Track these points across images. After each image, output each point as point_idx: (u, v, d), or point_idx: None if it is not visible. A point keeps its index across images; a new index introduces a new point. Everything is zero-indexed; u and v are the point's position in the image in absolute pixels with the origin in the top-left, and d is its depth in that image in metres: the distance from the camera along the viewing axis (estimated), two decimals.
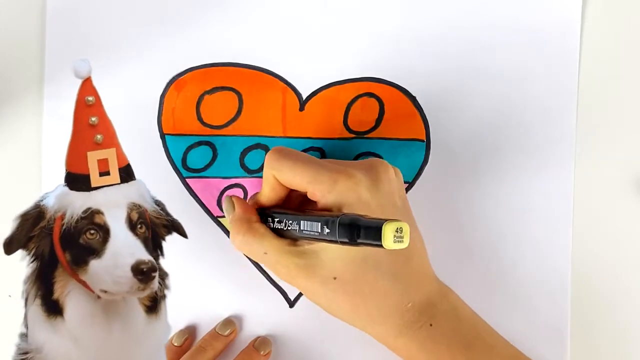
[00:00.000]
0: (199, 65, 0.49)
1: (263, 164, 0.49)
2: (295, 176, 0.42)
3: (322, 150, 0.49)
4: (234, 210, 0.44)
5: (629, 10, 0.49)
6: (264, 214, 0.44)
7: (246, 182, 0.49)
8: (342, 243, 0.37)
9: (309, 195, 0.42)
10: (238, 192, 0.49)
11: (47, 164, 0.49)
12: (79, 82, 0.49)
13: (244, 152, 0.49)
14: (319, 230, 0.39)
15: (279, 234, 0.43)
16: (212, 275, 0.49)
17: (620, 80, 0.49)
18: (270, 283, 0.49)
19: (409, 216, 0.44)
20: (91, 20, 0.49)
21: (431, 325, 0.42)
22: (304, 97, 0.49)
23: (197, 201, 0.49)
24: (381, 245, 0.35)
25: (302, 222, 0.40)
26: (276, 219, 0.43)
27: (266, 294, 0.49)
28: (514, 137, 0.49)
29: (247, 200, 0.46)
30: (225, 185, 0.49)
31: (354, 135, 0.49)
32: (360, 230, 0.36)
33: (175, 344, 0.48)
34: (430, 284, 0.43)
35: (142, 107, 0.49)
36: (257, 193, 0.45)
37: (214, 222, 0.49)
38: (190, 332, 0.49)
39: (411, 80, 0.49)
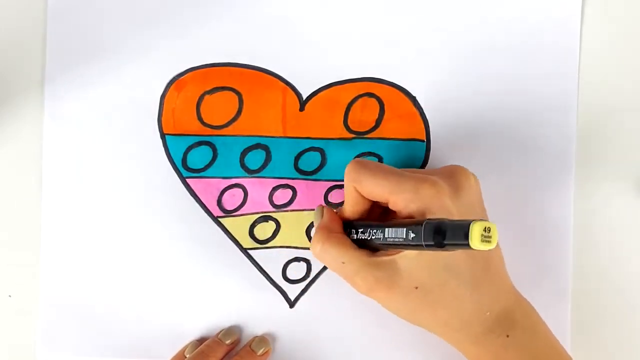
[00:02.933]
0: (199, 65, 0.49)
1: (264, 164, 0.49)
2: (377, 187, 0.42)
3: (322, 150, 0.49)
4: (321, 219, 0.44)
5: (629, 10, 0.49)
6: (348, 225, 0.44)
7: (246, 182, 0.49)
8: (428, 247, 0.37)
9: (390, 206, 0.42)
10: (238, 192, 0.49)
11: (47, 165, 0.49)
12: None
13: (244, 152, 0.49)
14: (404, 236, 0.38)
15: (363, 245, 0.42)
16: (212, 276, 0.49)
17: (621, 80, 0.49)
18: (270, 283, 0.49)
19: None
20: (92, 20, 0.49)
21: (508, 336, 0.42)
22: (304, 97, 0.49)
23: (197, 201, 0.49)
24: (469, 246, 0.35)
25: (386, 230, 0.40)
26: (360, 230, 0.43)
27: (266, 294, 0.49)
28: (514, 137, 0.49)
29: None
30: (226, 185, 0.49)
31: (354, 136, 0.49)
32: (447, 232, 0.36)
33: (226, 341, 0.48)
34: (508, 294, 0.44)
35: (142, 107, 0.49)
36: (341, 207, 0.45)
37: (214, 222, 0.49)
38: (239, 330, 0.49)
39: (411, 80, 0.49)
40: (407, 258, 0.41)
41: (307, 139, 0.49)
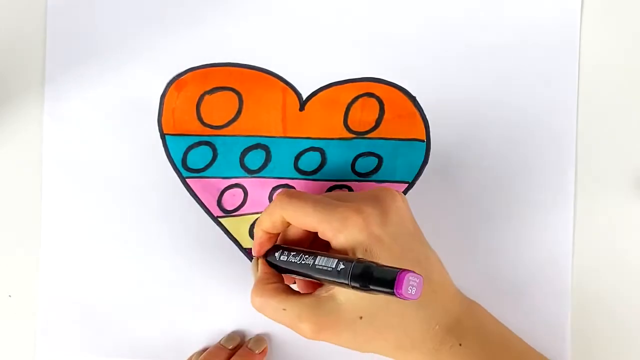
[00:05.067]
0: (199, 66, 0.49)
1: (264, 164, 0.49)
2: (306, 216, 0.42)
3: (322, 150, 0.49)
4: (257, 273, 0.44)
5: (629, 10, 0.49)
6: (278, 248, 0.44)
7: (246, 182, 0.49)
8: (354, 288, 0.37)
9: (320, 235, 0.42)
10: (238, 192, 0.49)
11: (48, 165, 0.49)
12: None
13: (244, 152, 0.49)
14: (334, 266, 0.38)
15: (292, 271, 0.42)
16: (211, 276, 0.49)
17: (621, 80, 0.49)
18: None
19: (422, 239, 0.43)
20: (92, 20, 0.49)
21: (460, 345, 0.42)
22: (304, 97, 0.49)
23: (197, 201, 0.49)
24: (394, 294, 0.35)
25: (318, 257, 0.40)
26: (292, 253, 0.42)
27: None
28: (514, 137, 0.49)
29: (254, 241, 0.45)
30: (226, 185, 0.49)
31: (354, 136, 0.49)
32: (373, 278, 0.36)
33: (228, 346, 0.48)
34: (454, 303, 0.43)
35: (142, 107, 0.49)
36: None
37: (214, 222, 0.49)
38: (241, 336, 0.49)
39: (411, 80, 0.49)
40: (345, 290, 0.40)
41: (307, 139, 0.49)
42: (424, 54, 0.49)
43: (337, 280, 0.38)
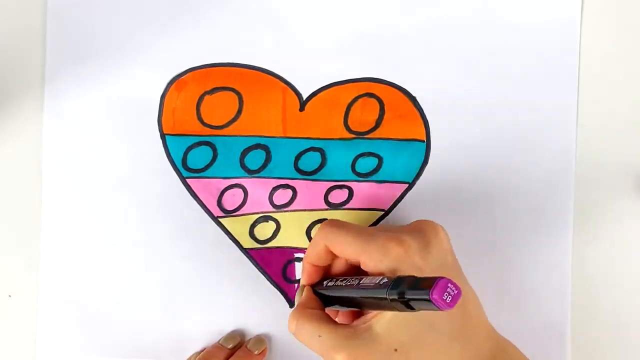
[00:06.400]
0: (199, 66, 0.49)
1: (264, 164, 0.49)
2: (348, 246, 0.42)
3: (322, 151, 0.49)
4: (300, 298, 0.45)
5: (629, 10, 0.49)
6: (326, 277, 0.44)
7: (246, 182, 0.49)
8: (393, 302, 0.37)
9: (362, 266, 0.42)
10: (238, 192, 0.49)
11: (48, 164, 0.49)
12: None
13: (244, 152, 0.49)
14: (377, 281, 0.38)
15: (334, 302, 0.43)
16: (212, 276, 0.49)
17: (620, 80, 0.49)
18: (271, 283, 0.49)
19: (461, 273, 0.43)
20: (92, 20, 0.49)
21: None
22: (304, 97, 0.49)
23: (197, 201, 0.49)
24: (429, 299, 0.34)
25: (364, 278, 0.40)
26: (340, 279, 0.43)
27: (266, 294, 0.49)
28: (514, 137, 0.49)
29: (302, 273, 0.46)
30: (226, 185, 0.49)
31: (354, 136, 0.49)
32: (410, 286, 0.36)
33: (227, 346, 0.48)
34: (488, 339, 0.43)
35: (142, 107, 0.49)
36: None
37: (214, 222, 0.49)
38: (240, 335, 0.49)
39: (411, 80, 0.49)
40: (383, 319, 0.40)
41: (307, 139, 0.49)
42: (424, 54, 0.49)
43: (378, 296, 0.38)
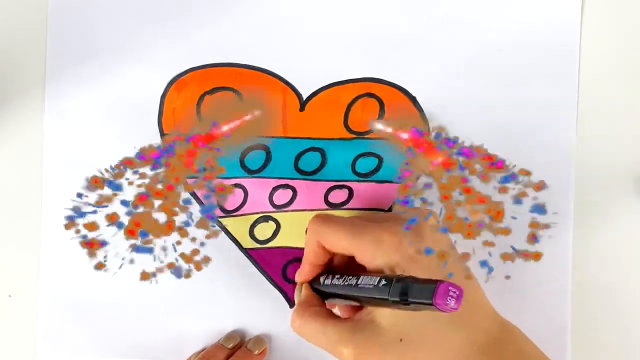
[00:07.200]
0: (199, 66, 0.49)
1: (264, 165, 0.49)
2: (340, 240, 0.42)
3: (322, 151, 0.49)
4: (300, 296, 0.45)
5: (629, 11, 0.49)
6: (322, 273, 0.44)
7: (246, 182, 0.49)
8: (394, 303, 0.37)
9: (357, 260, 0.42)
10: (238, 192, 0.49)
11: (48, 164, 0.49)
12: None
13: (245, 152, 0.49)
14: (376, 283, 0.38)
15: (333, 296, 0.43)
16: (212, 276, 0.49)
17: (620, 80, 0.49)
18: (271, 283, 0.49)
19: (457, 256, 0.43)
20: (92, 20, 0.49)
21: None
22: (304, 97, 0.49)
23: (197, 201, 0.49)
24: (432, 304, 0.34)
25: (361, 277, 0.40)
26: (336, 276, 0.43)
27: (266, 294, 0.49)
28: (514, 137, 0.49)
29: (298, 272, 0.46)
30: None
31: (354, 136, 0.49)
32: (411, 292, 0.36)
33: (227, 345, 0.48)
34: (491, 321, 0.42)
35: (143, 107, 0.49)
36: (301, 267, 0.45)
37: (214, 222, 0.49)
38: (240, 335, 0.49)
39: (411, 80, 0.49)
40: (386, 311, 0.40)
41: (307, 139, 0.49)
42: (424, 54, 0.49)
43: (378, 297, 0.38)
